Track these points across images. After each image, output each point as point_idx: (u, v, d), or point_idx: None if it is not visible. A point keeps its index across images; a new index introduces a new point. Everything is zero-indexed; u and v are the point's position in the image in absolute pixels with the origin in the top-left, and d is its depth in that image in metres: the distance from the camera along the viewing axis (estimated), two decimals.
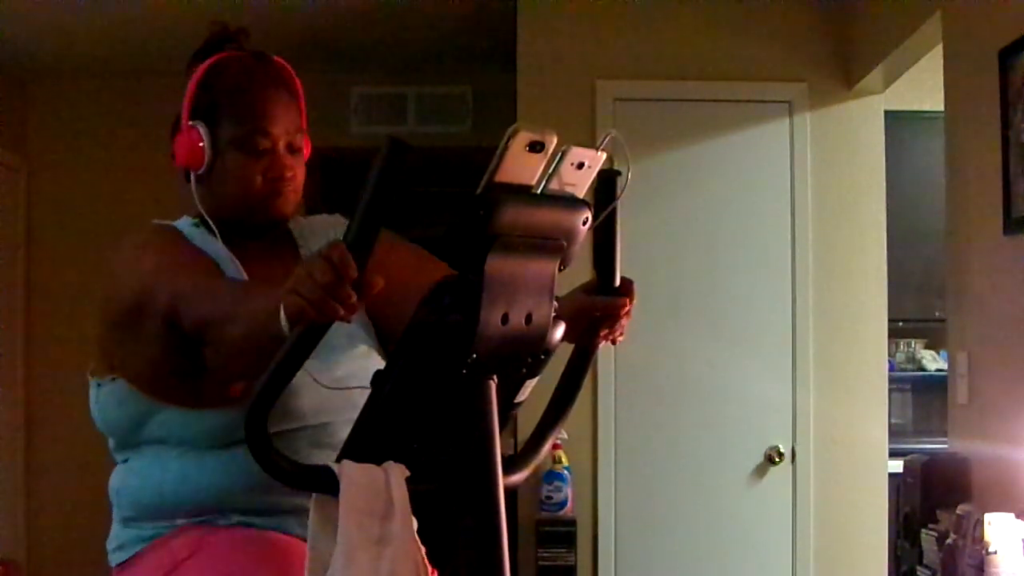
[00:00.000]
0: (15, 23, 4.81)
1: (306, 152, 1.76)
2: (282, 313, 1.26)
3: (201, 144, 1.67)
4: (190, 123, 1.69)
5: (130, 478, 1.69)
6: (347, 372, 1.65)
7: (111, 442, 1.75)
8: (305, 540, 1.36)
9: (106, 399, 1.69)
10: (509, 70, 4.48)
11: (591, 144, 1.30)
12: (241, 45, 1.76)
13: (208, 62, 1.73)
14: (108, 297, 1.65)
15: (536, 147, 1.23)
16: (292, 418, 1.60)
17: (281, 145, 1.69)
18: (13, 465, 5.55)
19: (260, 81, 1.71)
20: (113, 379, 1.67)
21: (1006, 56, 2.96)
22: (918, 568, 2.97)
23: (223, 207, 1.71)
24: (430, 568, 1.39)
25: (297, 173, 1.72)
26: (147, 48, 5.25)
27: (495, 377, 1.36)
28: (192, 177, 1.71)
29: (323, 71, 5.01)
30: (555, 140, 1.24)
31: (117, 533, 1.71)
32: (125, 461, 1.73)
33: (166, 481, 1.64)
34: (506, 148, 1.22)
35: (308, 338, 1.27)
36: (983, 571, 2.52)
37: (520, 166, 1.23)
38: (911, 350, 5.14)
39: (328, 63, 5.27)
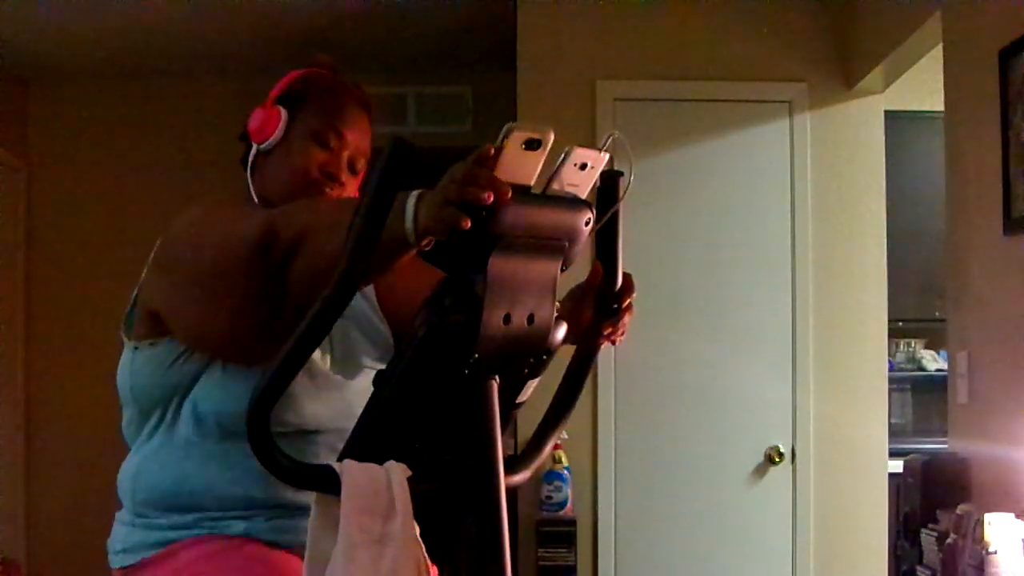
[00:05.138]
0: (15, 23, 4.82)
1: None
2: (409, 212, 1.24)
3: (277, 123, 1.74)
4: (274, 104, 1.77)
5: (148, 463, 1.67)
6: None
7: (129, 413, 1.72)
8: None
9: (143, 364, 1.66)
10: (509, 70, 4.49)
11: (591, 145, 1.30)
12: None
13: (310, 69, 1.82)
14: (187, 253, 1.62)
15: (533, 145, 1.23)
16: (311, 421, 1.63)
17: (346, 154, 1.77)
18: (13, 465, 5.55)
19: (352, 95, 1.81)
20: (153, 343, 1.65)
21: (1006, 56, 2.96)
22: (918, 568, 2.97)
23: (271, 188, 1.75)
24: (431, 566, 1.40)
25: (347, 189, 1.77)
26: (147, 49, 5.25)
27: (497, 377, 1.36)
28: (252, 154, 1.77)
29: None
30: (552, 137, 1.24)
31: (124, 535, 1.69)
32: (141, 443, 1.70)
33: (188, 467, 1.63)
34: (502, 148, 1.22)
35: (320, 323, 1.27)
36: (983, 571, 2.52)
37: (518, 165, 1.23)
38: (911, 350, 5.14)
39: None
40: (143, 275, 1.71)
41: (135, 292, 1.72)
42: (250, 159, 1.78)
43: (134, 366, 1.68)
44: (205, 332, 1.61)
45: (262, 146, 1.76)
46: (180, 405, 1.65)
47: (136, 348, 1.68)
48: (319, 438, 1.64)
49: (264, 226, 1.47)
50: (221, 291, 1.55)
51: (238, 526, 1.63)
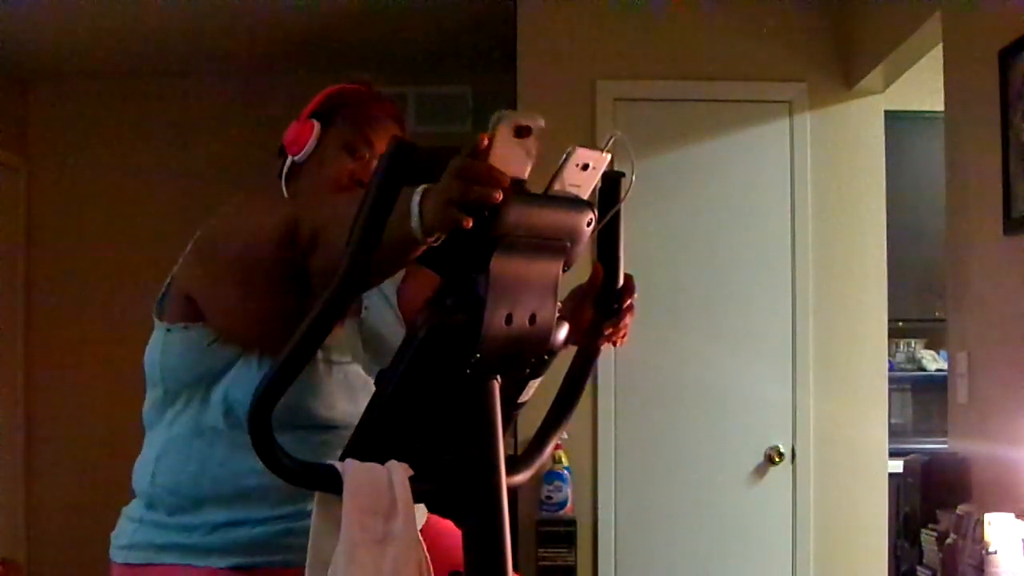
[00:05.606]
0: (15, 23, 4.81)
1: None
2: (414, 211, 1.24)
3: (309, 135, 1.80)
4: (308, 118, 1.83)
5: (172, 446, 1.67)
6: None
7: (153, 396, 1.72)
8: None
9: (175, 344, 1.67)
10: (509, 70, 4.49)
11: (592, 145, 1.31)
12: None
13: (342, 85, 1.89)
14: (220, 242, 1.65)
15: (523, 132, 1.23)
16: (340, 418, 1.65)
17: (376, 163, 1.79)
18: (13, 465, 5.55)
19: (382, 107, 1.87)
20: (187, 327, 1.66)
21: (1006, 56, 2.96)
22: (918, 568, 2.97)
23: (303, 195, 1.79)
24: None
25: None
26: (147, 48, 5.25)
27: (499, 377, 1.36)
28: (287, 165, 1.82)
29: (323, 71, 5.01)
30: (542, 123, 1.24)
31: (130, 532, 1.69)
32: (163, 428, 1.69)
33: (213, 455, 1.63)
34: (494, 135, 1.22)
35: (320, 324, 1.28)
36: (983, 571, 2.52)
37: (510, 154, 1.24)
38: (911, 350, 5.15)
39: (328, 63, 5.28)
40: (179, 262, 1.73)
41: (168, 280, 1.74)
42: (284, 171, 1.83)
43: (165, 346, 1.69)
44: (236, 322, 1.63)
45: (296, 158, 1.81)
46: (208, 391, 1.65)
47: (169, 330, 1.69)
48: (346, 432, 1.64)
49: (286, 220, 1.50)
50: (249, 281, 1.58)
51: (246, 534, 1.62)
